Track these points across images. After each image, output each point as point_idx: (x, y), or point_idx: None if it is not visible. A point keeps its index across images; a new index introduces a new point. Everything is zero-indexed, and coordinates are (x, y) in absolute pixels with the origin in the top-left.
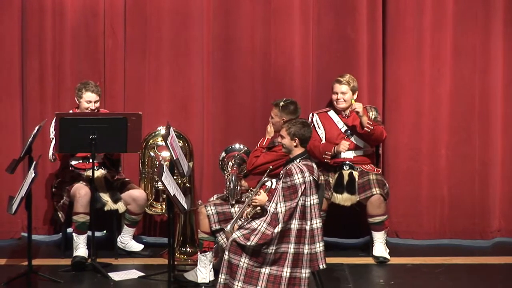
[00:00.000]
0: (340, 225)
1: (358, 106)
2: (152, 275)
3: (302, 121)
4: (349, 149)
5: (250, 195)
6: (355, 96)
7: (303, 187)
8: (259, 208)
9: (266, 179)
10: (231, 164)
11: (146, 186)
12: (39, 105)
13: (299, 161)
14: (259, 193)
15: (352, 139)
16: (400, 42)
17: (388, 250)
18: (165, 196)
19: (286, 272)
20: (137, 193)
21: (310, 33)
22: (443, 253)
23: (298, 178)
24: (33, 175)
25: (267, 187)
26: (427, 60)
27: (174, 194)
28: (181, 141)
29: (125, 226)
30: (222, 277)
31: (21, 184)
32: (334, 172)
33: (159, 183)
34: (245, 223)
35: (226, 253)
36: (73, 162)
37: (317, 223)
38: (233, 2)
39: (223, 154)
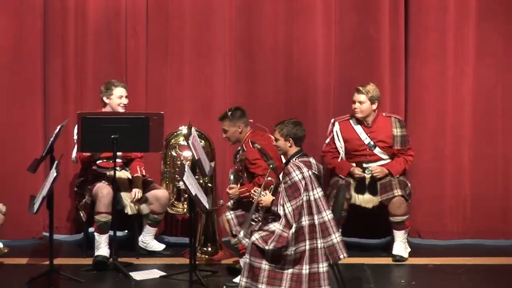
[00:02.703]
0: (362, 226)
1: (375, 171)
2: (174, 274)
3: (294, 121)
4: (372, 161)
5: (255, 197)
6: (374, 106)
7: (303, 183)
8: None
9: (269, 178)
10: (236, 160)
11: (167, 185)
12: (61, 105)
13: (295, 159)
14: (263, 194)
15: (376, 151)
16: (422, 41)
17: (408, 249)
18: (186, 195)
19: (305, 269)
20: (159, 193)
21: (332, 33)
22: (465, 253)
23: (297, 175)
24: (55, 174)
25: (271, 186)
26: (450, 60)
27: (195, 194)
28: (203, 141)
29: (147, 225)
30: (243, 280)
31: (43, 183)
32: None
33: (181, 182)
34: (263, 226)
35: (247, 256)
36: (97, 161)
37: (327, 215)
38: (255, 2)
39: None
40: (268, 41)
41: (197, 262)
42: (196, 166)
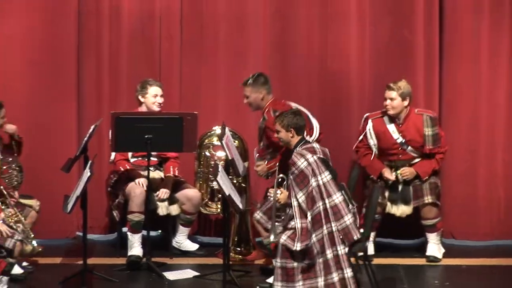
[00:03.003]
0: (395, 226)
1: (404, 174)
2: (207, 274)
3: (292, 111)
4: (404, 160)
5: (271, 197)
6: (405, 103)
7: (310, 169)
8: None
9: (280, 175)
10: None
11: (201, 185)
12: (95, 106)
13: (298, 148)
14: (279, 192)
15: (408, 150)
16: (457, 43)
17: (442, 251)
18: (220, 196)
19: (329, 253)
20: (192, 193)
21: (366, 36)
22: (498, 254)
23: (302, 163)
24: (89, 174)
25: (285, 183)
26: (485, 62)
27: (229, 194)
28: (236, 141)
29: (180, 225)
30: (279, 285)
31: (77, 183)
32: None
33: (214, 183)
34: (287, 224)
35: (278, 260)
36: (132, 160)
37: (338, 197)
38: (289, 6)
39: None
40: (302, 45)
41: (230, 262)
42: (229, 166)
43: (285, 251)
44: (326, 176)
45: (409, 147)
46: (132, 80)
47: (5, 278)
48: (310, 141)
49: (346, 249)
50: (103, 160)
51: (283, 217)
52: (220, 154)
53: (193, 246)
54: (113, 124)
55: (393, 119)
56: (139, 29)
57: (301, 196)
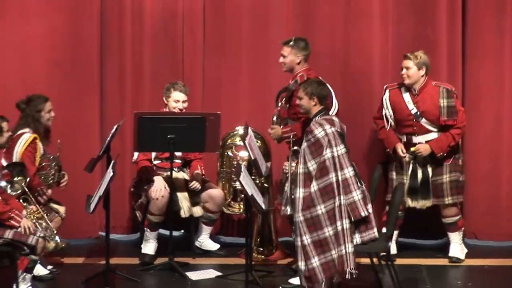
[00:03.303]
0: (418, 227)
1: (418, 151)
2: (230, 274)
3: (317, 80)
4: (420, 133)
5: (287, 171)
6: (421, 72)
7: (326, 140)
8: None
9: (295, 148)
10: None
11: (224, 185)
12: (118, 104)
13: (318, 118)
14: (293, 165)
15: (422, 122)
16: (479, 43)
17: (465, 251)
18: (243, 196)
19: (339, 225)
20: (215, 192)
21: (389, 35)
22: None
23: (319, 132)
24: (111, 174)
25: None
26: (507, 62)
27: (252, 194)
28: (259, 141)
29: (202, 224)
30: (302, 264)
31: (99, 183)
32: (407, 168)
33: (237, 182)
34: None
35: (297, 239)
36: (156, 162)
37: (349, 171)
38: (312, 3)
39: None
40: (325, 43)
41: (253, 262)
42: (252, 166)
43: (297, 228)
44: (341, 149)
45: (423, 119)
46: (155, 79)
47: (28, 276)
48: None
49: (349, 225)
50: (126, 160)
51: (292, 196)
52: (243, 154)
53: (214, 246)
54: (136, 124)
55: (409, 89)
56: (162, 27)
57: (312, 165)
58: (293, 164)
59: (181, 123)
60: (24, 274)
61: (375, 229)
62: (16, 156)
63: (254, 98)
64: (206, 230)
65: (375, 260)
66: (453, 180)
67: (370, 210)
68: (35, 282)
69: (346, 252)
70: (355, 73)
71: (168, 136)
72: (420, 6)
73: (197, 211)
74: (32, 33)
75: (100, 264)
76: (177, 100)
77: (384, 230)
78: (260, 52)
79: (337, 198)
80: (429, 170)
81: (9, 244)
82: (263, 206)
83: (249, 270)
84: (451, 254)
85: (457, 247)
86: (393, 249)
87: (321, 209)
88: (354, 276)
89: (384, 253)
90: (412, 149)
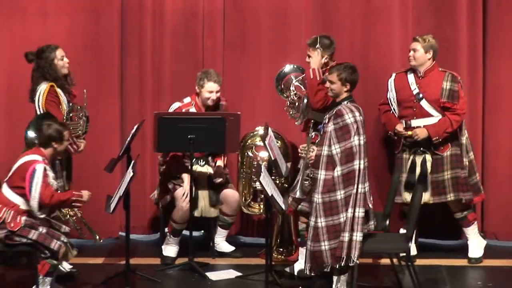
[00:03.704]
0: (438, 227)
1: (415, 135)
2: (249, 275)
3: (352, 66)
4: (419, 116)
5: (304, 155)
6: (428, 55)
7: (355, 126)
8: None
9: (313, 133)
10: (297, 85)
11: (244, 186)
12: (138, 104)
13: (347, 103)
14: (311, 149)
15: (422, 103)
16: (500, 42)
17: (484, 243)
18: (262, 196)
19: (353, 212)
20: (230, 193)
21: (409, 34)
22: None
23: (349, 118)
24: (132, 174)
25: (317, 139)
26: None
27: (272, 195)
28: (279, 141)
29: (218, 227)
30: (309, 244)
31: (120, 183)
32: (407, 157)
33: (257, 183)
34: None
35: (312, 219)
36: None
37: (365, 162)
38: (332, 3)
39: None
40: (344, 42)
41: (273, 263)
42: (272, 166)
43: (314, 210)
44: (364, 139)
45: (424, 100)
46: (175, 79)
47: (48, 279)
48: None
49: (362, 214)
50: (146, 161)
51: (311, 176)
52: (263, 154)
53: (229, 248)
54: (157, 124)
55: (414, 72)
56: (182, 26)
57: (336, 148)
58: (311, 148)
59: (201, 123)
60: (44, 277)
61: (373, 222)
62: (39, 111)
63: (274, 98)
64: (221, 233)
65: (395, 260)
66: (454, 176)
67: (371, 205)
68: (55, 285)
69: (355, 239)
70: (375, 72)
71: (188, 136)
72: (440, 5)
73: (213, 211)
74: (52, 33)
75: (120, 264)
76: (210, 91)
77: (402, 230)
78: (280, 51)
79: (355, 186)
80: (428, 165)
81: (30, 244)
82: (283, 207)
83: (269, 270)
84: (469, 255)
85: (474, 246)
86: (413, 250)
87: (340, 194)
88: (354, 263)
89: (404, 254)
90: (409, 132)
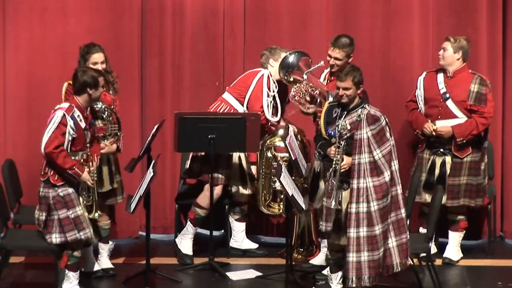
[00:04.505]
0: None
1: (440, 131)
2: (270, 275)
3: (357, 68)
4: (444, 117)
5: (334, 165)
6: (457, 56)
7: (387, 128)
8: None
9: (342, 150)
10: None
11: (264, 186)
12: (158, 104)
13: (369, 106)
14: (343, 158)
15: (448, 103)
16: None
17: (460, 255)
18: (282, 196)
19: (399, 214)
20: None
21: (430, 34)
22: None
23: (383, 120)
24: (152, 174)
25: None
26: None
27: (292, 194)
28: (298, 141)
29: (235, 222)
30: (365, 255)
31: (140, 183)
32: (427, 157)
33: (277, 183)
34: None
35: (364, 229)
36: None
37: (397, 163)
38: (352, 2)
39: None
40: (364, 42)
41: (293, 263)
42: (292, 166)
43: (365, 219)
44: (393, 140)
45: (450, 101)
46: (195, 79)
47: (71, 274)
48: None
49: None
50: (166, 160)
51: (345, 184)
52: (282, 154)
53: (253, 245)
54: (177, 124)
55: (444, 71)
56: (203, 27)
57: (378, 154)
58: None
59: (221, 123)
60: (66, 271)
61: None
62: None
63: None
64: (240, 228)
65: (415, 260)
66: (469, 183)
67: None
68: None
69: (407, 237)
70: (396, 72)
71: (209, 136)
72: (460, 5)
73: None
74: (72, 33)
75: (140, 264)
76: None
77: (421, 229)
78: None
79: (398, 187)
80: (447, 167)
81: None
82: (304, 207)
83: (289, 270)
84: (445, 255)
85: (453, 249)
86: (433, 250)
87: (388, 199)
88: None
89: (424, 254)
90: (434, 127)
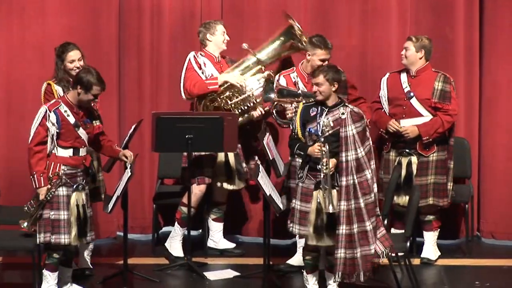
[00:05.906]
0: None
1: (405, 132)
2: (248, 275)
3: (334, 66)
4: (407, 117)
5: (323, 170)
6: (419, 55)
7: (367, 128)
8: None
9: (326, 148)
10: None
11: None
12: (136, 104)
13: (350, 105)
14: (329, 162)
15: (412, 102)
16: (497, 41)
17: (438, 253)
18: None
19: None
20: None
21: (407, 33)
22: None
23: (365, 120)
24: (129, 174)
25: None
26: None
27: (270, 194)
28: None
29: (212, 222)
30: (358, 251)
31: (118, 183)
32: (393, 158)
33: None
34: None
35: (354, 225)
36: None
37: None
38: (329, 2)
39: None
40: (342, 41)
41: (271, 263)
42: (270, 166)
43: (356, 215)
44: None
45: (414, 99)
46: (173, 79)
47: (48, 274)
48: None
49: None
50: (144, 160)
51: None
52: None
53: (230, 245)
54: (154, 124)
55: (408, 71)
56: (180, 27)
57: (361, 151)
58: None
59: (199, 123)
60: (44, 270)
61: None
62: None
63: None
64: (217, 227)
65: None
66: (436, 182)
67: None
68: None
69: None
70: (373, 72)
71: (186, 136)
72: (438, 5)
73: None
74: (51, 33)
75: (118, 264)
76: (224, 32)
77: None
78: None
79: (374, 186)
80: (414, 168)
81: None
82: (281, 207)
83: (267, 270)
84: (423, 255)
85: (430, 248)
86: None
87: (372, 196)
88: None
89: (402, 253)
90: (399, 126)
